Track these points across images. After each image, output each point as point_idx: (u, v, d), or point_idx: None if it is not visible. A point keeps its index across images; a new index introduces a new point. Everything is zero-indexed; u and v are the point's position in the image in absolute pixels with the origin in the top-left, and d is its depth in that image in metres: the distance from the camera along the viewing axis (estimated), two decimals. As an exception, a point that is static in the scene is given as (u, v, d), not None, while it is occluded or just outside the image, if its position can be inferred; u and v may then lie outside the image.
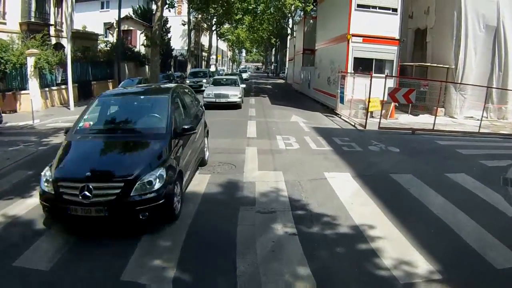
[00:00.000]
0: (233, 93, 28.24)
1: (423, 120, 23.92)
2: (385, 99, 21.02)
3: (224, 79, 33.75)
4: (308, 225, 8.40)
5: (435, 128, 20.34)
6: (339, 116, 24.97)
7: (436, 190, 10.65)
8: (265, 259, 6.97)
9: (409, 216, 8.94)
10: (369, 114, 22.57)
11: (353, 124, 22.10)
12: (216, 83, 31.92)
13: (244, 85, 34.97)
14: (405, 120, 23.91)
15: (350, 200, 9.82)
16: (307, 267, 6.75)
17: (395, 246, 7.56)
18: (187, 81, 43.14)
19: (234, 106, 27.72)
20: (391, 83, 23.17)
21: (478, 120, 21.86)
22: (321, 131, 19.53)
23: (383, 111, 22.08)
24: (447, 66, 26.45)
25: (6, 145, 15.93)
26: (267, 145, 15.84)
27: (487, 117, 24.63)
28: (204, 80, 44.18)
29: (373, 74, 21.72)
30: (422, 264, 6.93)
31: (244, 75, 66.81)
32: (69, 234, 7.85)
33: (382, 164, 13.55)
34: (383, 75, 22.30)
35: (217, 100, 27.54)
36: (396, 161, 14.11)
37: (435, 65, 27.08)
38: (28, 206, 9.35)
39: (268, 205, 9.34)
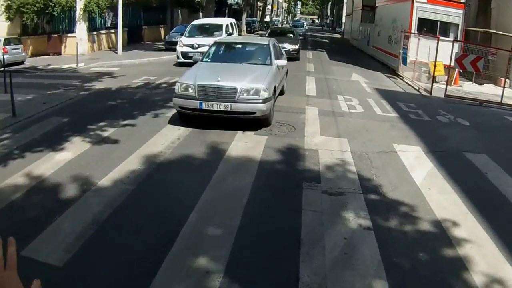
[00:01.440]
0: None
1: (488, 91, 21.48)
2: (451, 64, 18.92)
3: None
4: (384, 216, 6.82)
5: (503, 102, 18.19)
6: (401, 78, 22.85)
7: None
8: (336, 265, 5.42)
9: (493, 213, 7.33)
10: (431, 79, 20.65)
11: (417, 88, 20.02)
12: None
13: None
14: (470, 88, 21.67)
15: (426, 184, 8.19)
16: (385, 281, 5.18)
17: (484, 256, 5.99)
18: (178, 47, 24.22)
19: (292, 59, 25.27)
20: (454, 48, 20.89)
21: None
22: (385, 93, 17.62)
23: (447, 77, 20.17)
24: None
25: (45, 88, 14.92)
26: (328, 106, 14.13)
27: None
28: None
29: (440, 37, 19.63)
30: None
31: (300, 30, 47.97)
32: (95, 209, 6.62)
33: (453, 139, 11.79)
34: (450, 39, 20.35)
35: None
36: (467, 137, 12.30)
37: (501, 33, 24.60)
38: (56, 164, 8.29)
39: (336, 183, 7.78)
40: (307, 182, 7.72)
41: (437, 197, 7.70)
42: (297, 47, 27.61)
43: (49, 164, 8.25)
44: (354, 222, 6.48)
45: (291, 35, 30.37)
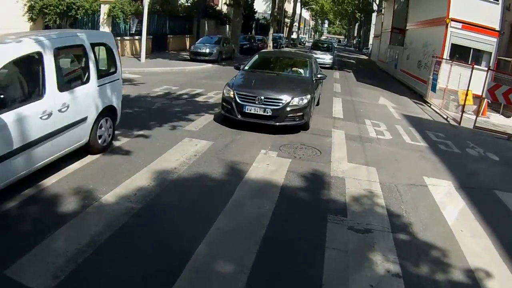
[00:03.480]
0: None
1: (517, 125, 20.82)
2: (482, 94, 18.16)
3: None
4: (414, 261, 6.13)
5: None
6: (429, 104, 22.07)
7: None
8: None
9: None
10: (460, 108, 19.89)
11: (445, 117, 19.21)
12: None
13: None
14: (497, 120, 20.78)
15: (458, 225, 7.54)
16: None
17: None
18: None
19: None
20: (487, 77, 20.09)
21: None
22: (413, 120, 16.90)
23: (475, 107, 19.41)
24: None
25: None
26: (356, 130, 13.47)
27: None
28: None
29: (469, 64, 18.99)
30: None
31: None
32: (94, 229, 5.93)
33: (484, 175, 11.08)
34: (483, 68, 19.64)
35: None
36: (497, 173, 11.56)
37: (535, 64, 23.74)
38: (60, 173, 7.75)
39: (363, 218, 7.11)
40: (332, 214, 7.08)
41: (470, 241, 7.05)
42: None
43: (52, 172, 7.61)
44: (382, 266, 5.82)
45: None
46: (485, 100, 20.01)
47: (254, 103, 11.49)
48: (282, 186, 8.06)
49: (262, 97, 11.47)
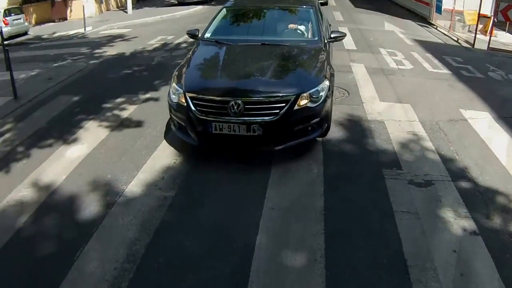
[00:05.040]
0: None
1: (525, 42, 20.12)
2: (492, 14, 17.36)
3: None
4: (485, 212, 5.62)
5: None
6: (435, 27, 21.11)
7: None
8: None
9: None
10: (467, 28, 19.17)
11: (455, 39, 18.34)
12: None
13: None
14: (505, 39, 19.93)
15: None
16: None
17: None
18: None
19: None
20: None
21: None
22: (426, 46, 16.00)
23: (481, 27, 18.64)
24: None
25: (51, 60, 13.21)
26: (375, 62, 12.69)
27: None
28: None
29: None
30: None
31: None
32: (129, 237, 5.01)
33: None
34: None
35: None
36: None
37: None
38: (69, 164, 6.75)
39: (419, 168, 6.51)
40: (386, 169, 6.44)
41: None
42: None
43: (60, 166, 6.73)
44: (457, 225, 5.29)
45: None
46: (491, 19, 19.27)
47: (227, 114, 6.21)
48: (322, 140, 7.33)
49: (240, 102, 6.15)
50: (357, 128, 7.89)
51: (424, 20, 22.80)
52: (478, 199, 5.93)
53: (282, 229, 5.17)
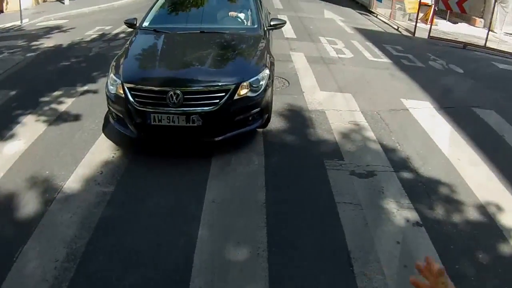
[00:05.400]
0: None
1: (464, 31, 20.29)
2: (431, 2, 17.68)
3: None
4: (427, 202, 5.58)
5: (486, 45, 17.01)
6: (375, 15, 21.21)
7: None
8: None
9: None
10: (407, 16, 19.47)
11: (396, 27, 18.47)
12: None
13: None
14: (446, 28, 20.35)
15: (454, 154, 7.02)
16: None
17: None
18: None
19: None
20: None
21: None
22: (366, 34, 15.96)
23: (421, 15, 18.91)
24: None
25: None
26: (314, 51, 12.47)
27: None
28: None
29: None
30: None
31: None
32: (68, 234, 4.68)
33: (457, 91, 10.57)
34: None
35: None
36: (468, 88, 11.05)
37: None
38: (6, 161, 6.27)
39: (361, 159, 6.34)
40: (328, 159, 6.21)
41: (471, 172, 6.59)
42: None
43: None
44: (400, 216, 5.18)
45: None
46: (432, 7, 19.52)
47: (166, 105, 5.95)
48: (263, 131, 7.05)
49: (179, 92, 5.89)
50: (298, 118, 7.61)
51: (364, 8, 22.90)
52: (421, 189, 5.85)
53: (224, 222, 4.95)
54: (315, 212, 5.09)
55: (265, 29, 8.02)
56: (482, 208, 5.77)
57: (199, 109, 5.95)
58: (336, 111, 7.93)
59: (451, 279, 3.67)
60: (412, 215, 5.22)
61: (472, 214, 5.59)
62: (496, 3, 21.06)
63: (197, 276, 4.11)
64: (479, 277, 4.50)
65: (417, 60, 12.80)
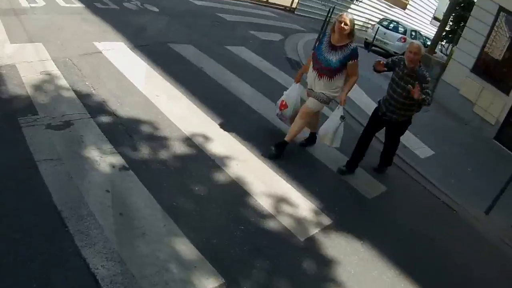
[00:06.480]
0: None
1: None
2: None
3: None
4: (131, 144, 5.65)
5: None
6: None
7: (232, 71, 9.30)
8: (122, 238, 4.10)
9: (230, 114, 7.41)
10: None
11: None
12: None
13: None
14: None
15: (151, 90, 7.32)
16: (184, 237, 4.35)
17: (256, 173, 5.97)
18: None
19: None
20: None
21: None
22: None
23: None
24: None
25: None
26: (5, 3, 11.15)
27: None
28: None
29: None
30: (302, 203, 5.65)
31: None
32: None
33: (152, 29, 10.93)
34: None
35: None
36: (164, 26, 11.60)
37: None
38: None
39: (56, 110, 5.95)
40: (21, 116, 5.64)
41: (171, 106, 7.02)
42: None
43: None
44: (104, 163, 5.11)
45: None
46: None
47: None
48: None
49: None
50: None
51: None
52: (121, 132, 5.87)
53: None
54: (17, 177, 4.56)
55: None
56: (188, 140, 6.15)
57: None
58: (27, 63, 7.35)
59: (174, 218, 3.84)
60: (117, 160, 5.20)
61: (179, 148, 5.91)
62: None
63: None
64: (200, 210, 4.82)
65: (111, 2, 12.59)
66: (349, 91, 6.43)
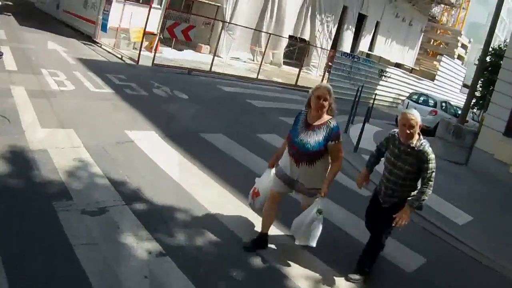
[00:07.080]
0: None
1: (190, 57, 21.63)
2: (158, 31, 18.74)
3: None
4: (167, 231, 5.57)
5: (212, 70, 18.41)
6: (99, 45, 20.79)
7: (265, 159, 8.61)
8: None
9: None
10: (132, 45, 19.80)
11: (120, 56, 18.36)
12: None
13: None
14: (171, 55, 21.12)
15: (185, 179, 7.26)
16: None
17: (289, 256, 5.77)
18: None
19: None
20: (157, 14, 20.51)
21: (244, 62, 20.46)
22: (89, 64, 15.35)
23: (146, 43, 19.31)
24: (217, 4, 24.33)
25: None
26: (35, 84, 11.47)
27: (253, 60, 23.41)
28: None
29: (140, 3, 19.36)
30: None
31: None
32: None
33: (182, 118, 11.07)
34: (158, 6, 20.38)
35: None
36: (194, 114, 11.70)
37: (203, 0, 24.60)
38: None
39: (90, 196, 5.93)
40: (56, 201, 5.62)
41: (203, 193, 6.92)
42: None
43: None
44: (141, 249, 5.02)
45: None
46: (157, 36, 20.01)
47: None
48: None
49: None
50: (19, 160, 6.69)
51: (89, 39, 22.31)
52: (157, 218, 5.82)
53: None
54: (55, 260, 4.51)
55: None
56: (222, 225, 6.04)
57: None
58: (59, 149, 7.36)
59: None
60: (154, 246, 5.12)
61: (214, 234, 5.76)
62: (223, 30, 22.55)
63: None
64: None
65: (141, 88, 12.91)
66: (331, 180, 5.34)
